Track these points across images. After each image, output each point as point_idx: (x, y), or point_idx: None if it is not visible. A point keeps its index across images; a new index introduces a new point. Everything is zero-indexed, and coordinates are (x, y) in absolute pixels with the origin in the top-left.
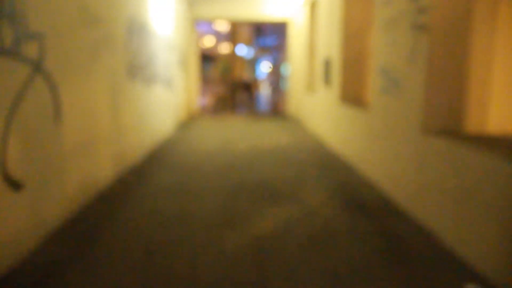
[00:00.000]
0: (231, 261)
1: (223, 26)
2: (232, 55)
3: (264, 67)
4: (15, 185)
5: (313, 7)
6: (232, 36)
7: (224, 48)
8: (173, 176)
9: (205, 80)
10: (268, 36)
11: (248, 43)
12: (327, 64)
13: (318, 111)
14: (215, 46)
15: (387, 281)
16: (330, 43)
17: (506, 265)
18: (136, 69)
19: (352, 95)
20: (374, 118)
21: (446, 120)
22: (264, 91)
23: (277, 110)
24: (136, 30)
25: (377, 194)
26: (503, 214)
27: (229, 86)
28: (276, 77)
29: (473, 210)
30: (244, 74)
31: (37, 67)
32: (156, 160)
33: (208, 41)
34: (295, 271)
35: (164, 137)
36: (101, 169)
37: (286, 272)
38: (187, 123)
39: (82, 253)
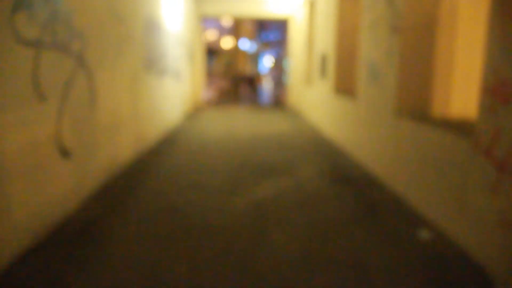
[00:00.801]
0: (236, 215)
1: (226, 21)
2: (235, 50)
3: (267, 62)
4: (66, 153)
5: (312, 6)
6: (235, 31)
7: (227, 43)
8: (185, 156)
9: (209, 74)
10: (271, 31)
11: (251, 38)
12: (323, 59)
13: (315, 102)
14: (218, 40)
15: (357, 227)
16: (326, 40)
17: (455, 216)
18: (151, 62)
19: (344, 87)
20: (360, 106)
21: (415, 106)
22: (267, 85)
23: (278, 102)
24: (151, 27)
25: (361, 171)
26: (454, 179)
27: (232, 80)
28: (278, 71)
29: (432, 177)
30: (246, 68)
31: (80, 60)
32: (169, 143)
33: (211, 35)
34: (286, 221)
35: (174, 124)
36: (125, 148)
37: (280, 222)
38: (194, 113)
39: (117, 211)
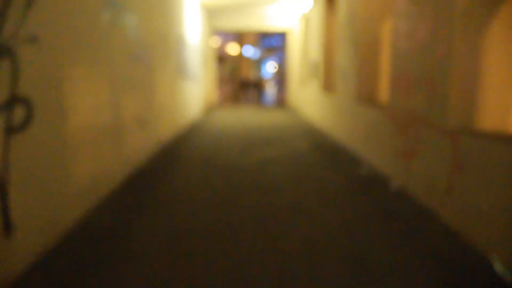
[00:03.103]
0: (247, 163)
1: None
2: (239, 56)
3: (270, 67)
4: (140, 125)
5: (306, 22)
6: (239, 38)
7: (232, 49)
8: (208, 136)
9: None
10: (273, 37)
11: (255, 44)
12: (315, 65)
13: (308, 99)
14: (223, 47)
15: (323, 168)
16: (316, 50)
17: (380, 155)
18: (180, 68)
19: (329, 85)
20: (337, 98)
21: (367, 95)
22: (270, 89)
23: (280, 103)
24: (180, 42)
25: (333, 142)
26: (379, 136)
27: (237, 85)
28: (281, 76)
29: (373, 138)
30: (250, 74)
31: (150, 67)
32: (194, 129)
33: (217, 42)
34: (279, 164)
35: (196, 117)
36: (165, 130)
37: (274, 164)
38: (209, 110)
39: (172, 162)
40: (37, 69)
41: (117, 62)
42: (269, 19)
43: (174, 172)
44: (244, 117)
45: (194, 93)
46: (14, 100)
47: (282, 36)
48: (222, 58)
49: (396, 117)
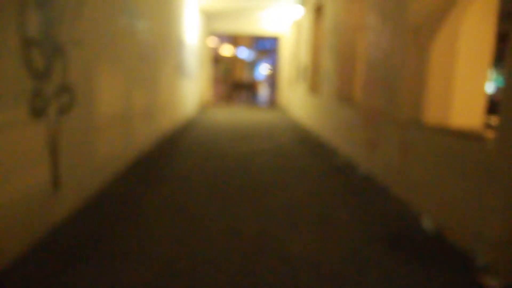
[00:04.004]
0: (237, 152)
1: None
2: (234, 58)
3: (263, 69)
4: (145, 116)
5: (298, 28)
6: (234, 39)
7: (226, 50)
8: (203, 130)
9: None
10: (268, 39)
11: (249, 46)
12: (303, 68)
13: (296, 100)
14: (217, 47)
15: (305, 157)
16: (305, 55)
17: (351, 146)
18: (179, 67)
19: (315, 87)
20: (321, 98)
21: (346, 95)
22: (263, 91)
23: (272, 103)
24: (179, 44)
25: (318, 139)
26: (357, 131)
27: (231, 86)
28: (274, 78)
29: (348, 132)
30: (244, 75)
31: (154, 66)
32: (191, 124)
33: (211, 42)
34: (265, 155)
35: (192, 114)
36: (166, 123)
37: (262, 155)
38: (204, 108)
39: (172, 149)
40: (77, 66)
41: (129, 62)
42: (263, 24)
43: (174, 157)
44: (236, 115)
45: (191, 91)
46: (63, 88)
47: (275, 39)
48: (217, 59)
49: (364, 113)
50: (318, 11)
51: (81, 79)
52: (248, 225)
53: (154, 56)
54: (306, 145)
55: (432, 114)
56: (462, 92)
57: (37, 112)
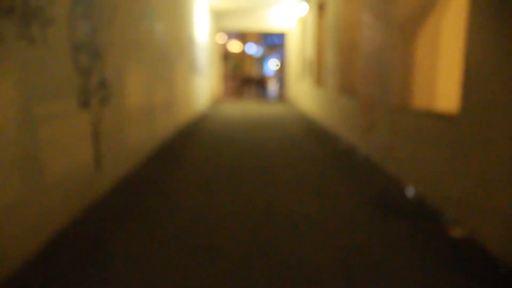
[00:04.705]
0: (250, 139)
1: None
2: (242, 54)
3: (272, 65)
4: (166, 107)
5: (303, 24)
6: (242, 35)
7: (235, 47)
8: (217, 121)
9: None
10: (276, 35)
11: (257, 42)
12: (309, 62)
13: (303, 93)
14: (226, 44)
15: (310, 143)
16: (311, 50)
17: (351, 132)
18: (191, 65)
19: (319, 80)
20: (325, 90)
21: (346, 86)
22: (272, 86)
23: (281, 97)
24: (191, 42)
25: (323, 128)
26: (356, 118)
27: (240, 81)
28: (282, 73)
29: (348, 120)
30: (253, 71)
31: (170, 64)
32: (204, 117)
33: (220, 39)
34: (274, 145)
35: (204, 107)
36: (182, 116)
37: (272, 141)
38: (215, 103)
39: (192, 137)
40: (111, 65)
41: (150, 61)
42: (270, 21)
43: (192, 145)
44: (246, 109)
45: (202, 87)
46: (102, 84)
47: (283, 35)
48: (226, 55)
49: (362, 102)
50: (321, 9)
51: (114, 77)
52: (260, 195)
53: (170, 55)
54: (312, 133)
55: (418, 100)
56: (443, 80)
57: (83, 103)
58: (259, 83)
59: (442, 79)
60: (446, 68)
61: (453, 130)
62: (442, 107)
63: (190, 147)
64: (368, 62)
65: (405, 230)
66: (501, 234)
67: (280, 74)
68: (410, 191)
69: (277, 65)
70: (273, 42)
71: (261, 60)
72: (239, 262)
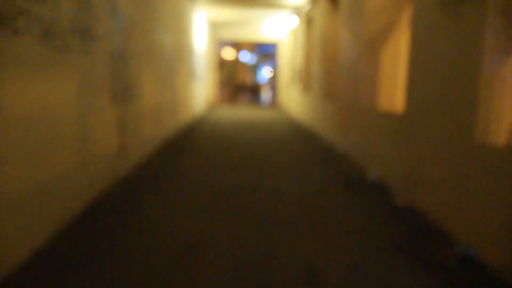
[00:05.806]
0: (242, 143)
1: None
2: (236, 61)
3: (265, 73)
4: (171, 109)
5: (294, 36)
6: (236, 43)
7: (229, 54)
8: (212, 124)
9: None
10: (269, 43)
11: (251, 50)
12: (299, 71)
13: (293, 99)
14: (220, 51)
15: (296, 144)
16: (300, 59)
17: (331, 132)
18: (190, 72)
19: (307, 87)
20: (312, 96)
21: (328, 92)
22: (266, 93)
23: (273, 104)
24: (190, 51)
25: (309, 130)
26: (335, 120)
27: (234, 88)
28: (275, 80)
29: (329, 122)
30: (246, 79)
31: (174, 72)
32: (201, 120)
33: (216, 48)
34: (265, 145)
35: (201, 112)
36: (182, 118)
37: (261, 145)
38: (211, 108)
39: (190, 139)
40: (132, 71)
41: (159, 68)
42: (264, 32)
43: (192, 142)
44: (240, 114)
45: (200, 93)
46: (125, 86)
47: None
48: (221, 63)
49: (340, 105)
50: (309, 23)
51: (134, 80)
52: (251, 178)
53: (173, 63)
54: (298, 134)
55: (382, 103)
56: (401, 87)
57: (114, 100)
58: (253, 90)
59: (400, 86)
60: (403, 77)
61: (400, 125)
62: (399, 108)
63: (192, 143)
64: (344, 71)
65: (360, 200)
66: (432, 201)
67: (273, 81)
68: (373, 174)
69: (271, 72)
70: (267, 51)
71: (255, 68)
72: (236, 213)
